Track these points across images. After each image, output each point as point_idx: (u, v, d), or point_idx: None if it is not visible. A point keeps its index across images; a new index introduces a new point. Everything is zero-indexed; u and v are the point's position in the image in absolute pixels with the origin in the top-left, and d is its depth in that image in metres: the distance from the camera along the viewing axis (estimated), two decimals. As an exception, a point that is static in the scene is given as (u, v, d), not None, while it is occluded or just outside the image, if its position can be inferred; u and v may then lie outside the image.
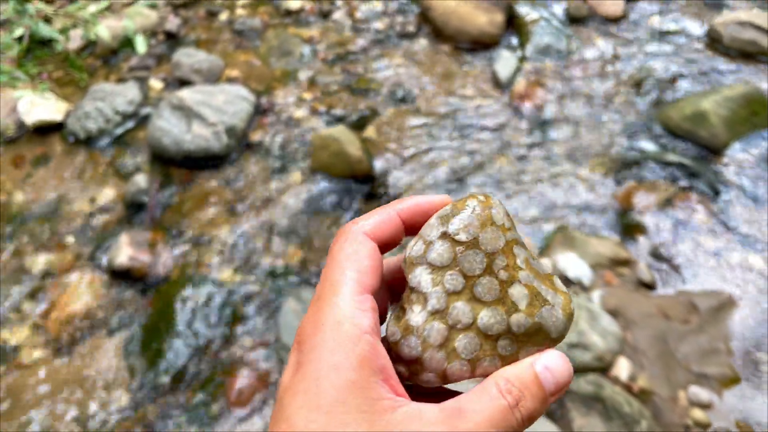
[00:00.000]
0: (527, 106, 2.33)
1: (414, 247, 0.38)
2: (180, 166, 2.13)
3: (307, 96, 2.39)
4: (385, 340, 0.38)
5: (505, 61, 2.45)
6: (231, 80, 2.44)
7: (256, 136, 2.24)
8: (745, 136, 2.15)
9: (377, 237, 0.39)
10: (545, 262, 1.80)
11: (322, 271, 0.38)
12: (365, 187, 2.08)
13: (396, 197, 2.05)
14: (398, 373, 0.37)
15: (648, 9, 2.70)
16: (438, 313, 0.37)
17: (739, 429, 1.50)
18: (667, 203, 1.99)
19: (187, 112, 2.16)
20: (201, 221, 1.99)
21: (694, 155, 2.11)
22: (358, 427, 0.33)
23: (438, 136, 2.24)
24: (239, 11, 2.78)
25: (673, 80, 2.38)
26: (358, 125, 2.28)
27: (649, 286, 1.76)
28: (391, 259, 0.43)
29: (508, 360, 0.37)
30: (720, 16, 2.55)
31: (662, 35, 2.58)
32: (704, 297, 1.73)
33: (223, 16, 2.76)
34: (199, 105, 2.17)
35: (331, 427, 0.33)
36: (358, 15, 2.74)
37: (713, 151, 2.11)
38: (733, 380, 1.58)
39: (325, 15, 2.74)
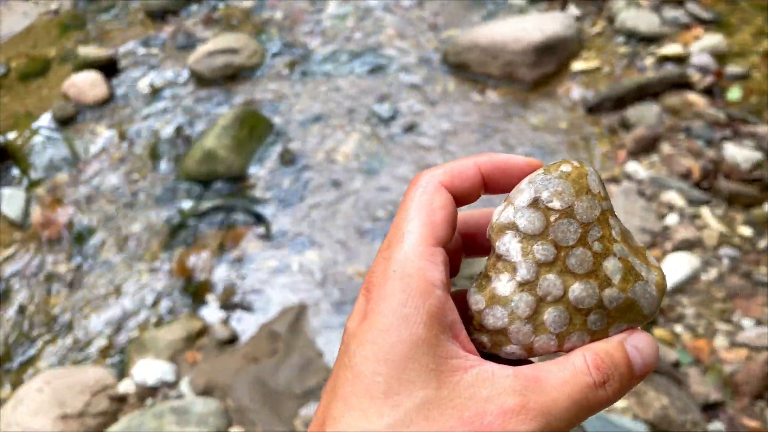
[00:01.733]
0: (56, 232, 2.16)
1: (503, 212, 0.36)
2: None
3: None
4: (455, 297, 0.36)
5: (10, 199, 2.24)
6: None
7: None
8: (255, 151, 2.27)
9: (453, 187, 0.37)
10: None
11: (394, 220, 0.36)
12: None
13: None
14: (479, 343, 0.36)
15: (132, 76, 2.70)
16: (527, 284, 0.35)
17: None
18: (220, 249, 2.01)
19: None
20: None
21: (226, 192, 2.17)
22: (426, 385, 0.31)
23: (-26, 315, 1.96)
24: None
25: (178, 133, 2.41)
26: None
27: (232, 340, 1.76)
28: (467, 213, 0.41)
29: (596, 336, 0.35)
30: (192, 54, 2.66)
31: (155, 95, 2.60)
32: (281, 319, 1.78)
33: None
34: None
35: (398, 383, 0.31)
36: None
37: (238, 179, 2.19)
38: (332, 378, 1.66)
39: None
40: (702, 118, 2.05)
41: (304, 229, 2.03)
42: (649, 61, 2.33)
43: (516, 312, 0.35)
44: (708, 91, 2.16)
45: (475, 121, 2.28)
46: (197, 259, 1.98)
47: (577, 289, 0.35)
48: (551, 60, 2.33)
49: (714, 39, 2.32)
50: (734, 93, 2.13)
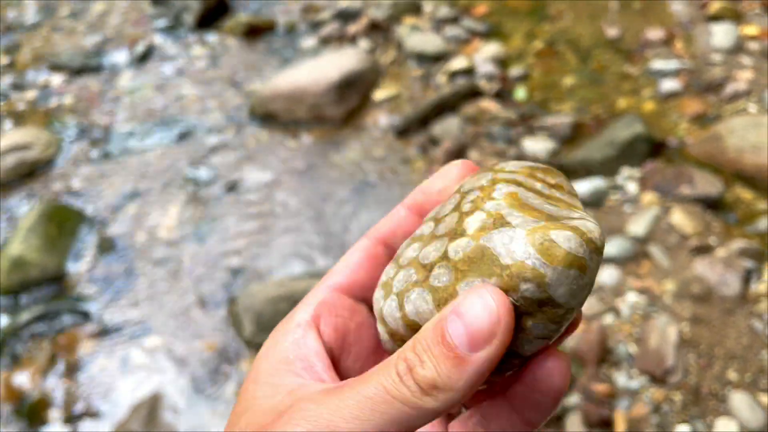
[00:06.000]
0: None
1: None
2: None
3: None
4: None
5: None
6: None
7: None
8: (70, 246, 2.10)
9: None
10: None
11: None
12: None
13: None
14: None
15: None
16: (396, 262, 0.34)
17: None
18: (52, 360, 1.83)
19: None
20: None
21: (46, 297, 1.98)
22: None
23: None
24: None
25: (-23, 246, 2.18)
26: None
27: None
28: None
29: (440, 293, 0.29)
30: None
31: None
32: (133, 418, 1.64)
33: None
34: None
35: None
36: None
37: (56, 280, 2.01)
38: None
39: None
40: (498, 121, 2.22)
41: (139, 316, 1.90)
42: (442, 78, 2.48)
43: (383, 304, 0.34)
44: (498, 96, 2.35)
45: (295, 166, 2.29)
46: (25, 377, 1.78)
47: (428, 248, 0.31)
48: (353, 94, 2.41)
49: (492, 48, 2.53)
50: (520, 93, 2.33)
